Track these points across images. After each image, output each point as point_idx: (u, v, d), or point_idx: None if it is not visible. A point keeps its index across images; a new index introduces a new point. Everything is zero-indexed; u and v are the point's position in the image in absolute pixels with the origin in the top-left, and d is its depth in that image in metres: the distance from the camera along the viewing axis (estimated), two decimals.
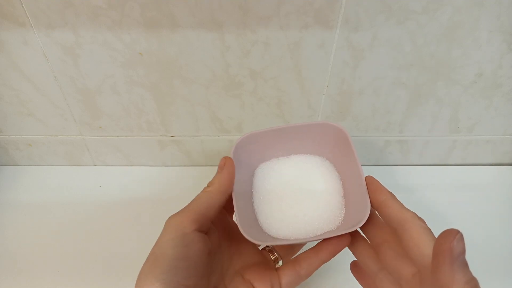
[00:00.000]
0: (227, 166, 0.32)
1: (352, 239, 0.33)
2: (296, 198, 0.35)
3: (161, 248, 0.27)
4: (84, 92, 0.46)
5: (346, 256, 0.34)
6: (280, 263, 0.34)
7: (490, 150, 0.54)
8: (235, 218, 0.32)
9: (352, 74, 0.44)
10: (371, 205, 0.31)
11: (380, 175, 0.54)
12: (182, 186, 0.53)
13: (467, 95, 0.47)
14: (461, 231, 0.23)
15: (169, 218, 0.29)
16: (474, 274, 0.24)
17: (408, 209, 0.29)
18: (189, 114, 0.48)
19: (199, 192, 0.32)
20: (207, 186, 0.32)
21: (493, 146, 0.54)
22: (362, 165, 0.33)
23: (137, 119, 0.49)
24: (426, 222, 0.29)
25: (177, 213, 0.30)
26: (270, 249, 0.36)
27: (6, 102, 0.47)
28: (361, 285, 0.34)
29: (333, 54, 0.42)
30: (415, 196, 0.52)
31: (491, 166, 0.56)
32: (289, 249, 0.36)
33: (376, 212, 0.32)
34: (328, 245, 0.32)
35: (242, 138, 0.35)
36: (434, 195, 0.52)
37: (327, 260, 0.32)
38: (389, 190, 0.31)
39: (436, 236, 0.25)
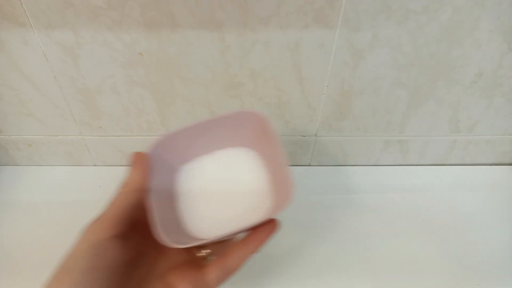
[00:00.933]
0: (139, 161, 0.30)
1: None
2: (222, 195, 0.34)
3: (73, 259, 0.26)
4: (84, 92, 0.46)
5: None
6: (213, 257, 0.32)
7: (490, 150, 0.54)
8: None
9: (352, 74, 0.44)
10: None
11: (380, 175, 0.54)
12: None
13: (467, 95, 0.47)
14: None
15: (85, 226, 0.28)
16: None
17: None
18: (189, 114, 0.48)
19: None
20: (121, 186, 0.29)
21: (493, 146, 0.54)
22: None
23: (137, 119, 0.49)
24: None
25: (93, 220, 0.28)
26: (198, 246, 0.33)
27: (6, 102, 0.47)
28: None
29: (333, 54, 0.42)
30: (415, 196, 0.52)
31: (491, 166, 0.56)
32: (219, 244, 0.34)
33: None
34: (255, 234, 0.30)
35: (159, 139, 0.33)
36: (434, 195, 0.52)
37: (255, 250, 0.30)
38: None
39: None
